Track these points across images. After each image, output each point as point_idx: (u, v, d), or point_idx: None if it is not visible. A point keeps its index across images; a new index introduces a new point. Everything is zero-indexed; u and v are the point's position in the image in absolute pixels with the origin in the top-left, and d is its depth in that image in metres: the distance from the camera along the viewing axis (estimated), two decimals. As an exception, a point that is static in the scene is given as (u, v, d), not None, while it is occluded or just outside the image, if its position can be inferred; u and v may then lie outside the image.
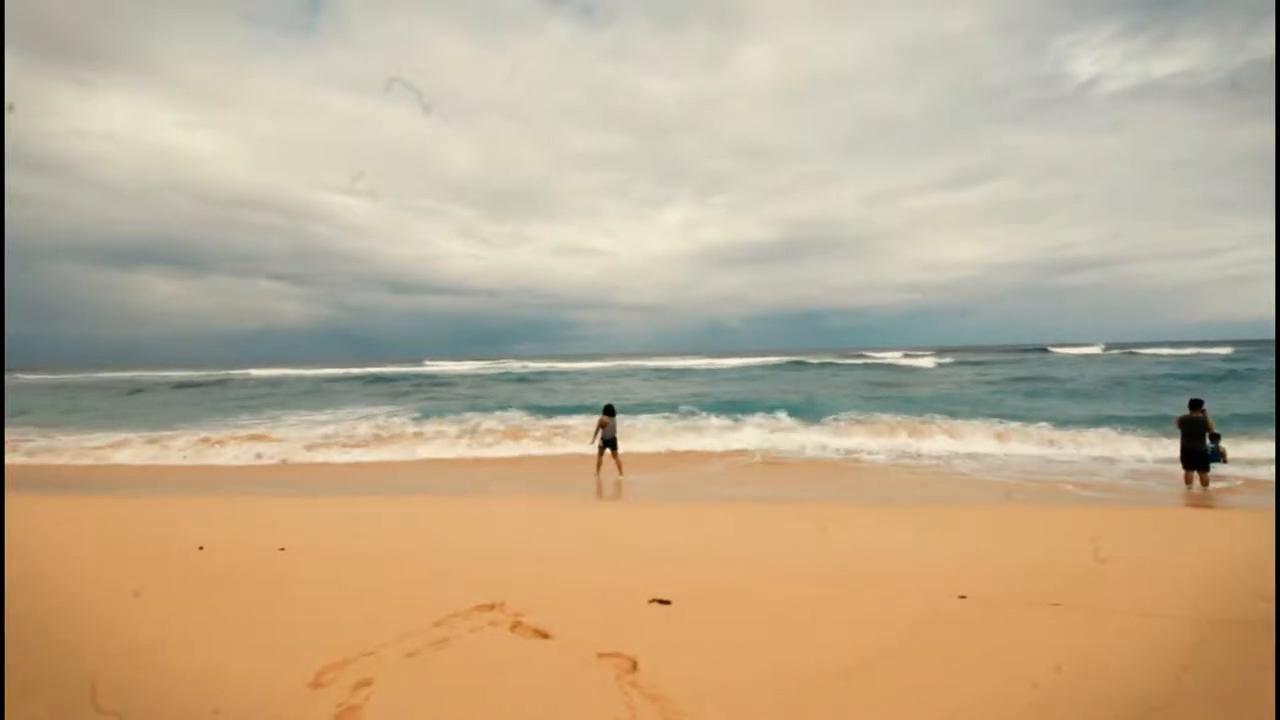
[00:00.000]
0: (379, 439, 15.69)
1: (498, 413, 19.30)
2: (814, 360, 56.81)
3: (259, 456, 14.04)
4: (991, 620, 3.92)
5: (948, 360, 50.91)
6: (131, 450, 15.06)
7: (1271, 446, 11.84)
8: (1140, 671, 3.25)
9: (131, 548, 5.81)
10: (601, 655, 3.38)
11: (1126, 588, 4.55)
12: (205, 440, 15.96)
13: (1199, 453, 9.71)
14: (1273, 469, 10.88)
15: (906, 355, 64.90)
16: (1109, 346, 76.78)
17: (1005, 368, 42.14)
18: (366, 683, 3.08)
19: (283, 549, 5.58)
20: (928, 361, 50.37)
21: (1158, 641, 3.59)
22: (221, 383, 42.01)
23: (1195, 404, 10.09)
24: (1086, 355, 57.80)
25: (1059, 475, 11.08)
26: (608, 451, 11.53)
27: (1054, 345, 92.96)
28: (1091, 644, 3.57)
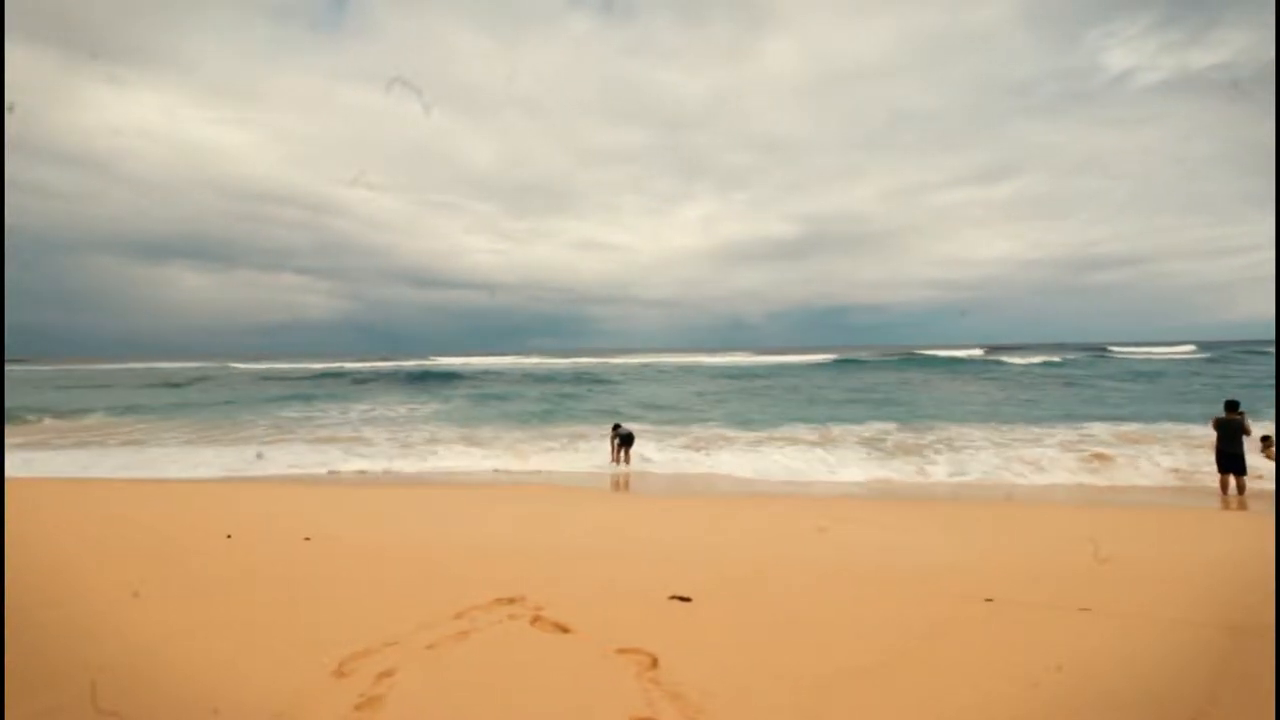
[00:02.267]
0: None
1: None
2: (867, 357, 52.69)
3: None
4: (1017, 624, 3.85)
5: (1037, 359, 44.98)
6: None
7: None
8: (1173, 680, 3.17)
9: (150, 536, 5.88)
10: (621, 651, 3.38)
11: (1156, 593, 4.44)
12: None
13: (1236, 456, 9.43)
14: None
15: (989, 353, 59.06)
16: (1202, 346, 67.65)
17: (1127, 366, 37.36)
18: (389, 673, 3.12)
19: (308, 539, 5.68)
20: (1035, 359, 44.36)
21: (1190, 649, 3.50)
22: (326, 377, 40.87)
23: (1231, 405, 9.81)
24: (1184, 357, 49.10)
25: None
26: (624, 449, 11.92)
27: (1113, 344, 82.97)
28: (1122, 651, 3.49)
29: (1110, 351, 62.21)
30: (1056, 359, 47.36)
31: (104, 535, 5.86)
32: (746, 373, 41.00)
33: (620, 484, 10.70)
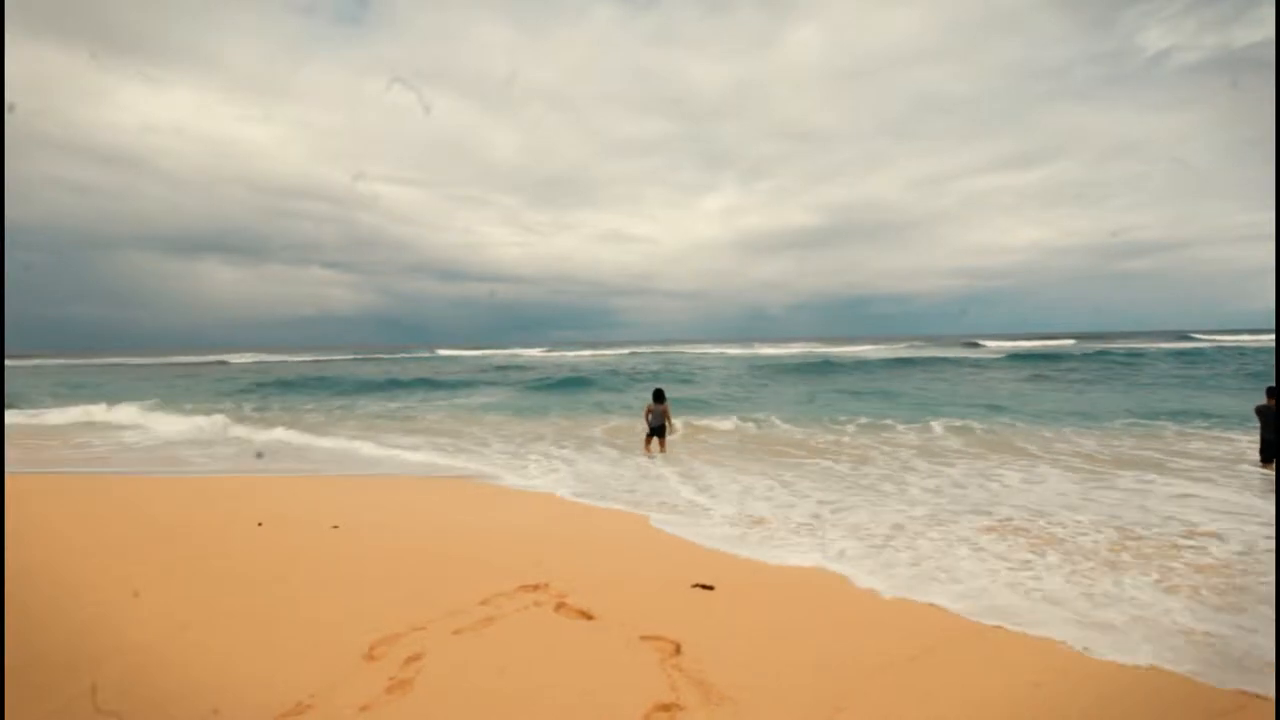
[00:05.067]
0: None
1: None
2: (939, 354, 40.58)
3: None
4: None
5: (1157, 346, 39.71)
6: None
7: None
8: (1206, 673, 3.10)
9: (166, 532, 5.86)
10: (645, 638, 3.40)
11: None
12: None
13: None
14: None
15: (1080, 343, 53.13)
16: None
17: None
18: (417, 657, 3.18)
19: (336, 527, 5.79)
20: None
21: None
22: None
23: (1274, 391, 9.46)
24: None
25: None
26: (655, 437, 11.30)
27: (1196, 332, 70.39)
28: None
29: (1196, 338, 55.63)
30: (1187, 347, 41.27)
31: (115, 532, 5.72)
32: (820, 368, 32.50)
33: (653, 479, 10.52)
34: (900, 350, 50.25)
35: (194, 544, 5.28)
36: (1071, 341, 60.05)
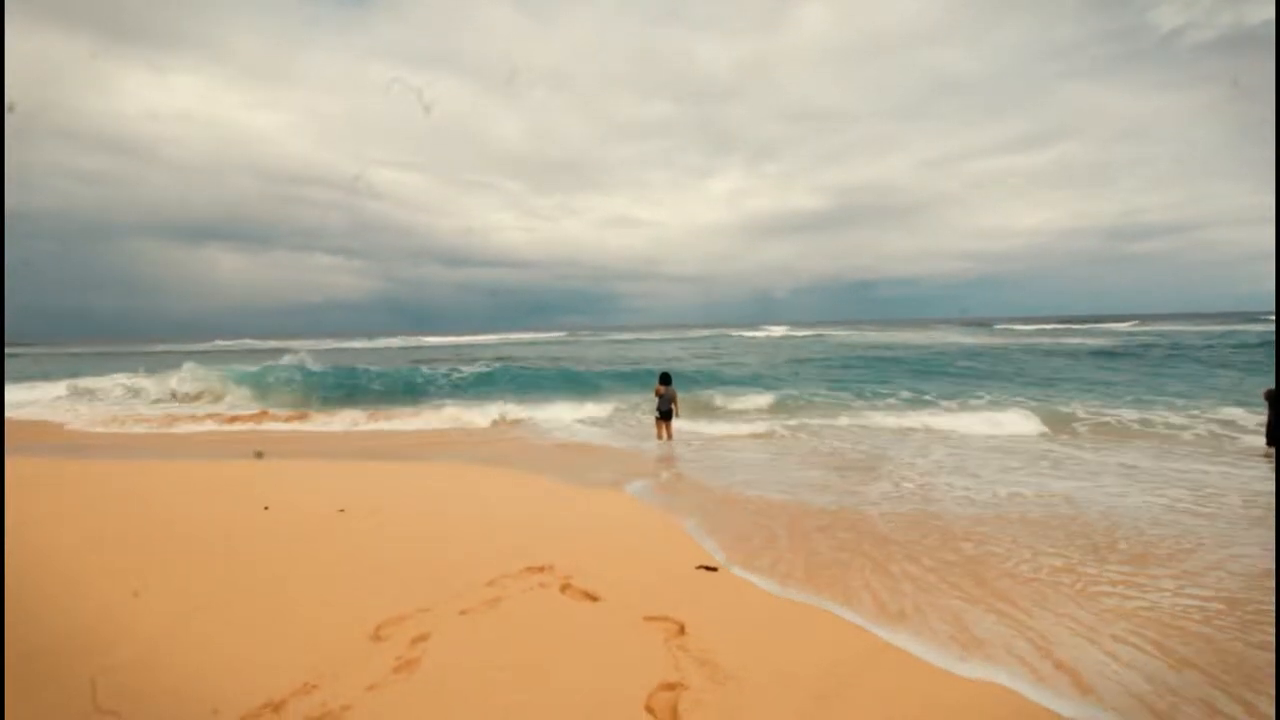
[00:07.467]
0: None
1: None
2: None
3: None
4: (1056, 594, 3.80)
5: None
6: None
7: None
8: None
9: (167, 523, 5.83)
10: (649, 618, 3.42)
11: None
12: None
13: None
14: None
15: (1142, 324, 50.18)
16: None
17: None
18: (423, 637, 3.20)
19: (342, 510, 5.82)
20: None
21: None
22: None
23: (1282, 377, 9.40)
24: None
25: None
26: (663, 422, 11.24)
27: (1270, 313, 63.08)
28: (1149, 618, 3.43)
29: (1264, 318, 51.28)
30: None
31: (118, 522, 5.61)
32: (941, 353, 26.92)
33: (665, 463, 10.49)
34: (987, 337, 42.34)
35: (198, 531, 5.30)
36: (1133, 324, 57.61)
